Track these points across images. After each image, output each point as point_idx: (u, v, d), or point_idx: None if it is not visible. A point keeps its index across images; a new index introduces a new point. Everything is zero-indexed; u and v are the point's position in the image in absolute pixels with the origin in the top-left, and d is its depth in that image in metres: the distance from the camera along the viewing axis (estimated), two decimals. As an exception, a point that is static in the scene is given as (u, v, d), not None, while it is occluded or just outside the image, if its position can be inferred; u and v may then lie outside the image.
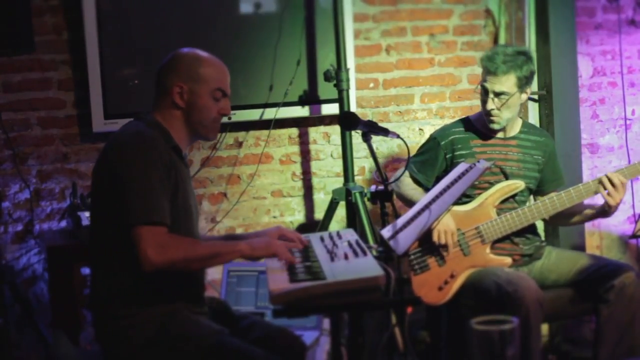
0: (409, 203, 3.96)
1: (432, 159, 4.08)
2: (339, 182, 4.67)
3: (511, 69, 3.89)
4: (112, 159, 2.97)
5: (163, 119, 3.06)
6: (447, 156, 4.06)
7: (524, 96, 3.98)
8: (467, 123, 4.13)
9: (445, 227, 3.84)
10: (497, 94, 3.90)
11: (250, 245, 2.95)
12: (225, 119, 4.49)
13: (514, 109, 3.97)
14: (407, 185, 4.07)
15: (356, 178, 4.59)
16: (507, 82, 3.90)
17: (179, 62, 3.09)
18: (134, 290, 2.96)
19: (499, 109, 3.91)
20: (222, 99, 3.11)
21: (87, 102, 4.39)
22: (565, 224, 4.42)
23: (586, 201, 4.02)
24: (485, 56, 3.98)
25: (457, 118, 4.41)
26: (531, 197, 4.17)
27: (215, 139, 3.14)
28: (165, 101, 3.07)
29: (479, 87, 3.98)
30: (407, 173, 4.08)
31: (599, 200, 3.95)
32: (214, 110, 3.09)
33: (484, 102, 3.96)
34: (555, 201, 3.92)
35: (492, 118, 3.95)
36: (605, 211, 3.93)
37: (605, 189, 3.85)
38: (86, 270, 4.24)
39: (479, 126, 4.08)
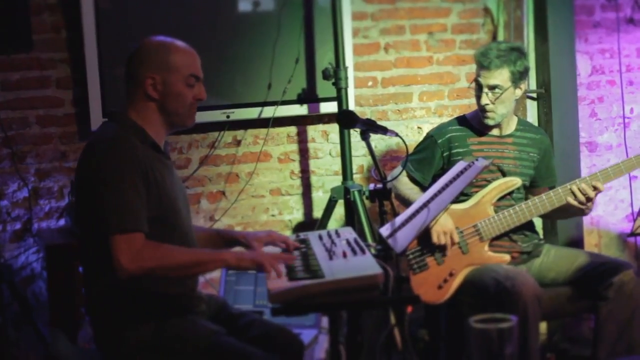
0: (406, 202, 3.97)
1: (429, 157, 4.09)
2: (337, 181, 4.67)
3: (504, 64, 3.90)
4: (86, 167, 2.95)
5: (137, 115, 3.01)
6: (444, 154, 4.06)
7: (518, 92, 3.99)
8: (463, 121, 4.14)
9: (444, 228, 3.84)
10: (491, 88, 3.91)
11: (237, 257, 2.89)
12: (224, 118, 4.54)
13: (509, 104, 3.97)
14: (404, 184, 4.07)
15: (355, 176, 4.60)
16: (500, 76, 3.91)
17: (148, 52, 3.02)
18: (128, 292, 2.95)
19: (493, 103, 3.92)
20: (196, 84, 3.04)
21: (85, 101, 4.38)
22: (561, 218, 4.42)
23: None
24: (478, 52, 3.99)
25: (455, 116, 4.42)
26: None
27: (193, 125, 3.11)
28: (138, 94, 3.01)
29: (474, 83, 3.99)
30: (404, 172, 4.09)
31: None
32: (189, 97, 3.02)
33: (478, 97, 3.97)
34: (552, 197, 3.92)
35: (487, 113, 3.96)
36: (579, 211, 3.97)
37: (576, 198, 3.87)
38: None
39: (476, 124, 4.09)
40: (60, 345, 3.24)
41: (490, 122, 3.98)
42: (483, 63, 3.93)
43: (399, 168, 4.12)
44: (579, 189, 3.85)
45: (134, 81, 3.02)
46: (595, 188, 3.86)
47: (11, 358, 3.98)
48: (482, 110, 3.97)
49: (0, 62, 4.34)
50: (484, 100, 3.93)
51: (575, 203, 3.87)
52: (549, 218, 4.51)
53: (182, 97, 3.01)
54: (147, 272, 2.82)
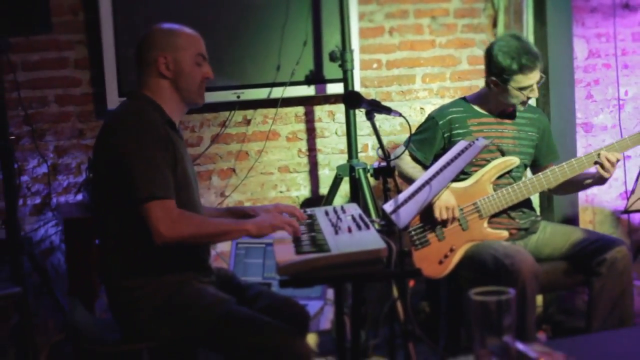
0: (408, 180, 3.98)
1: (431, 138, 4.08)
2: (343, 159, 4.67)
3: (539, 57, 3.90)
4: (112, 138, 2.97)
5: (153, 94, 3.07)
6: (445, 135, 4.05)
7: None
8: (464, 103, 4.13)
9: (446, 204, 3.85)
10: (537, 82, 3.91)
11: (257, 225, 2.95)
12: (234, 98, 4.54)
13: None
14: (407, 163, 4.08)
15: (360, 155, 4.59)
16: (540, 67, 3.90)
17: (157, 36, 3.10)
18: (143, 261, 2.98)
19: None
20: (203, 63, 3.12)
21: (102, 81, 4.39)
22: (561, 194, 4.39)
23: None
24: (515, 56, 3.86)
25: (456, 97, 4.41)
26: (527, 171, 4.17)
27: (203, 103, 3.18)
28: (151, 75, 3.08)
29: (511, 90, 3.92)
30: (407, 151, 4.08)
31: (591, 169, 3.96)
32: (199, 75, 3.11)
33: (524, 95, 3.91)
34: (549, 176, 3.92)
35: (526, 104, 4.00)
36: (599, 181, 3.94)
37: (602, 166, 3.85)
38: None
39: (476, 106, 4.08)
40: (78, 314, 3.26)
41: (523, 108, 3.99)
42: (530, 64, 3.86)
43: (402, 147, 4.12)
44: (605, 157, 3.84)
45: (147, 63, 3.09)
46: (608, 160, 3.86)
47: (31, 326, 4.00)
48: (523, 103, 3.96)
49: (21, 44, 4.34)
50: (535, 94, 3.93)
51: (603, 172, 3.86)
52: (552, 193, 4.48)
53: (193, 75, 3.09)
54: (182, 240, 2.88)
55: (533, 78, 3.89)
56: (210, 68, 3.15)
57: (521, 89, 3.89)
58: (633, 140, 3.93)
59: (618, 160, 3.86)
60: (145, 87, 3.09)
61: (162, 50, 3.06)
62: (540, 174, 3.95)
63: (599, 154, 3.87)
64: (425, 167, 4.01)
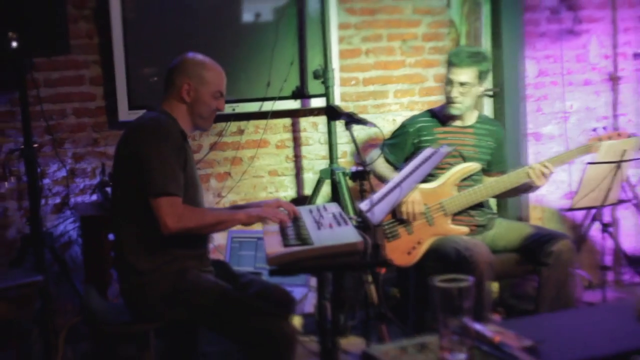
0: (382, 179, 4.01)
1: (402, 143, 4.11)
2: (324, 164, 4.68)
3: (473, 64, 3.91)
4: (134, 140, 3.02)
5: (170, 110, 3.13)
6: (415, 141, 4.08)
7: (480, 89, 4.01)
8: (431, 114, 4.16)
9: (412, 199, 3.87)
10: (462, 84, 3.92)
11: (247, 215, 3.03)
12: (229, 111, 4.55)
13: (473, 98, 4.00)
14: (380, 164, 4.11)
15: (339, 160, 4.61)
16: (470, 74, 3.92)
17: (189, 65, 3.14)
18: (152, 251, 3.00)
19: (462, 96, 3.94)
20: (219, 98, 3.17)
21: (114, 95, 4.39)
22: (511, 196, 4.41)
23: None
24: (452, 52, 4.01)
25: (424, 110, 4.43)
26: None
27: (209, 130, 3.22)
28: (173, 96, 3.13)
29: (446, 81, 3.98)
30: (381, 155, 4.11)
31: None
32: (213, 106, 3.16)
33: (448, 91, 3.97)
34: (505, 180, 3.95)
35: (454, 105, 3.98)
36: (532, 188, 3.96)
37: (534, 175, 3.88)
38: (112, 237, 4.25)
39: (442, 116, 4.11)
40: (93, 300, 3.27)
41: (456, 112, 4.00)
42: (455, 61, 3.93)
43: (377, 151, 4.16)
44: (533, 169, 3.87)
45: (173, 84, 3.14)
46: (546, 167, 3.88)
47: (52, 310, 4.00)
48: (450, 102, 3.98)
49: (43, 63, 4.34)
50: (454, 93, 3.95)
51: (535, 180, 3.87)
52: (501, 197, 4.52)
53: (207, 105, 3.14)
54: (186, 231, 2.93)
55: (457, 75, 3.92)
56: (224, 103, 3.20)
57: (448, 81, 3.95)
58: (579, 151, 3.96)
59: (550, 172, 3.88)
60: (166, 103, 3.14)
61: (189, 78, 3.11)
62: (498, 178, 3.97)
63: (527, 170, 3.89)
64: (397, 169, 4.03)
